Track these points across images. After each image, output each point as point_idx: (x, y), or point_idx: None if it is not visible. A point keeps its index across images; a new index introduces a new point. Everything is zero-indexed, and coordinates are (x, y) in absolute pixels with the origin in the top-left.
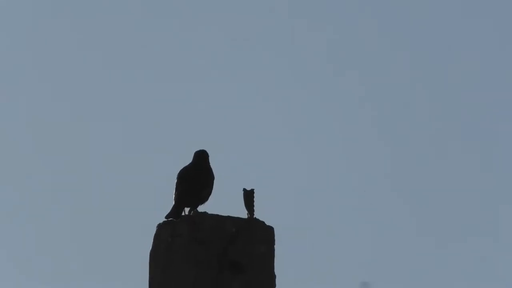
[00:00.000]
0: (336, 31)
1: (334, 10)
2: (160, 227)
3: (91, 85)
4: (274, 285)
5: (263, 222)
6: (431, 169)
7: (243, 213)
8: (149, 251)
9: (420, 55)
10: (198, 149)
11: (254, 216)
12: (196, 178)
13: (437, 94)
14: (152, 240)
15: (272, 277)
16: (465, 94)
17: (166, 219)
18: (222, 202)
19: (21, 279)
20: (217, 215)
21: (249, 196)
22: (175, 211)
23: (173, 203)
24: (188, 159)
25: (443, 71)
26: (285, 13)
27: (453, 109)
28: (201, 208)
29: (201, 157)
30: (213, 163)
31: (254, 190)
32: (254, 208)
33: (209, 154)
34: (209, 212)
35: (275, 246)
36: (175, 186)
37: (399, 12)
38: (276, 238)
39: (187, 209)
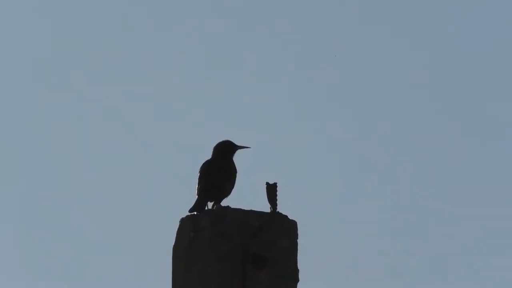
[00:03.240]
0: None
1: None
2: (183, 221)
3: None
4: (298, 279)
5: (286, 216)
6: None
7: (266, 207)
8: (172, 246)
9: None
10: (219, 142)
11: (277, 210)
12: (218, 171)
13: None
14: (175, 235)
15: (296, 270)
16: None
17: (189, 213)
18: (244, 196)
19: (36, 276)
20: (240, 209)
21: (272, 190)
22: (199, 205)
23: (196, 197)
24: (208, 153)
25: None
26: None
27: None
28: (223, 203)
29: (223, 150)
30: (235, 156)
31: (277, 184)
32: (277, 202)
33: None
34: (232, 206)
35: (298, 240)
36: (197, 180)
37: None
38: (299, 231)
39: (210, 204)
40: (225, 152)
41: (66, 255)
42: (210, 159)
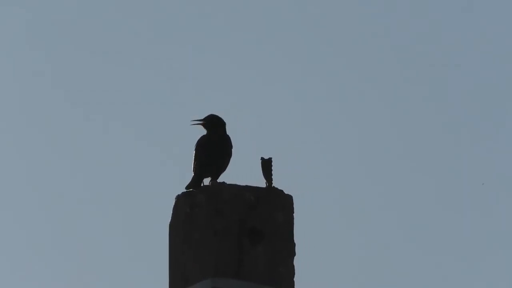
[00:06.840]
0: None
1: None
2: (179, 198)
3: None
4: (294, 253)
5: (281, 191)
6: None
7: (261, 182)
8: (168, 223)
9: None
10: (214, 117)
11: (273, 185)
12: (215, 146)
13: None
14: (171, 212)
15: (292, 244)
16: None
17: (186, 190)
18: (240, 171)
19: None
20: (236, 185)
21: (267, 165)
22: (196, 181)
23: (192, 173)
24: (203, 129)
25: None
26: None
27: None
28: (219, 178)
29: (218, 125)
30: (229, 131)
31: (272, 159)
32: (273, 176)
33: (225, 122)
34: (227, 182)
35: (294, 214)
36: (193, 156)
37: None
38: (295, 206)
39: (206, 180)
40: (218, 127)
41: (64, 235)
42: (206, 134)
